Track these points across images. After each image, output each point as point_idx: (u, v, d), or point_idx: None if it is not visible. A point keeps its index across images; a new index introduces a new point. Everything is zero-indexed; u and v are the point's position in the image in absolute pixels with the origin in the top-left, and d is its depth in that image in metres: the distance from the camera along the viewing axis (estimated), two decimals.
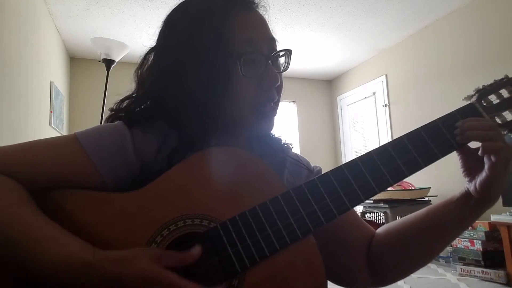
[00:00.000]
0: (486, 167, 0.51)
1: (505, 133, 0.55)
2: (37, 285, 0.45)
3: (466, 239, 2.75)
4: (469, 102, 0.58)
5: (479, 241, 2.67)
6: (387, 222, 3.06)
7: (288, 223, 0.49)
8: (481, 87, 0.58)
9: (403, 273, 0.62)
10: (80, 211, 0.49)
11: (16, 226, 0.44)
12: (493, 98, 0.57)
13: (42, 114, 2.86)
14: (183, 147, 0.54)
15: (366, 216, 3.59)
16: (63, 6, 3.01)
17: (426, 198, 3.24)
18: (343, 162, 0.54)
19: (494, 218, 2.61)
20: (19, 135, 2.19)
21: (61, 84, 3.53)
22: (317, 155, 4.96)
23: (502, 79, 0.58)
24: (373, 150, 0.54)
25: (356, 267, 0.62)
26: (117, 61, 2.78)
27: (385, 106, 4.26)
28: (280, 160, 0.64)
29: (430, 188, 3.23)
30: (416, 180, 3.28)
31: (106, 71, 2.76)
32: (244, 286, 0.47)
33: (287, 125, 5.03)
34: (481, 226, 2.72)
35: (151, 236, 0.47)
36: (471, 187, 0.54)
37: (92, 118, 3.16)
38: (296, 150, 0.72)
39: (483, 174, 0.52)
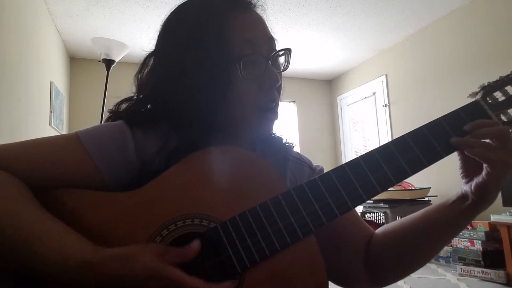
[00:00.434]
0: (483, 173, 0.50)
1: (511, 130, 0.53)
2: (39, 285, 0.44)
3: (466, 239, 2.75)
4: (474, 99, 0.56)
5: (479, 241, 2.67)
6: (387, 222, 3.06)
7: (288, 222, 0.48)
8: (486, 83, 0.56)
9: (401, 274, 0.62)
10: (80, 210, 0.49)
11: (15, 221, 0.44)
12: (498, 95, 0.55)
13: (42, 114, 2.86)
14: (182, 148, 0.53)
15: (366, 216, 3.59)
16: (63, 6, 3.01)
17: (426, 198, 3.24)
18: (343, 163, 0.53)
19: (494, 218, 2.61)
20: (19, 135, 2.19)
21: (61, 84, 3.53)
22: (317, 155, 4.96)
23: (508, 76, 0.56)
24: (375, 149, 0.53)
25: (355, 267, 0.62)
26: (117, 61, 2.78)
27: (385, 106, 4.26)
28: (282, 159, 0.64)
29: (430, 188, 3.23)
30: (416, 180, 3.28)
31: (106, 71, 2.75)
32: (244, 287, 0.46)
33: (287, 125, 5.03)
34: (481, 226, 2.72)
35: (151, 236, 0.47)
36: (467, 188, 0.53)
37: (92, 118, 3.16)
38: (296, 150, 0.71)
39: (480, 179, 0.51)
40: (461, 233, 2.72)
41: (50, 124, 3.06)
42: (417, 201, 3.17)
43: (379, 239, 0.63)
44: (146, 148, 0.54)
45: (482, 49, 3.11)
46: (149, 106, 0.59)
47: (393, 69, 4.19)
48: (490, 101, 0.55)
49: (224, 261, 0.47)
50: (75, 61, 4.12)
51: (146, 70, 0.61)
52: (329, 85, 5.40)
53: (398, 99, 4.11)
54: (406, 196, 3.12)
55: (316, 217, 0.49)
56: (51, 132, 3.09)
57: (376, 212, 3.39)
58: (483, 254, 2.62)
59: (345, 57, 4.49)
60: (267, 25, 0.61)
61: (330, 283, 0.56)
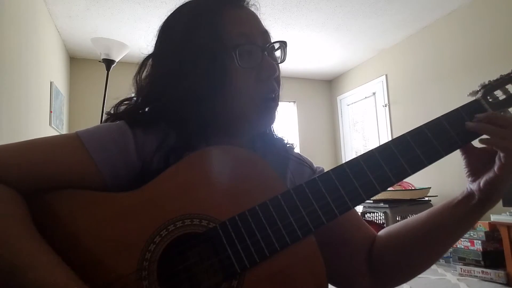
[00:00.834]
0: (495, 167, 0.50)
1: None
2: None
3: (466, 239, 2.74)
4: (474, 98, 0.56)
5: (479, 241, 2.67)
6: (387, 222, 3.06)
7: (288, 222, 0.48)
8: (486, 82, 0.56)
9: (405, 277, 0.61)
10: (79, 211, 0.48)
11: (5, 248, 0.40)
12: (499, 94, 0.55)
13: (42, 114, 2.86)
14: (181, 147, 0.53)
15: (366, 216, 3.59)
16: (63, 6, 3.01)
17: (426, 198, 3.24)
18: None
19: (494, 218, 2.61)
20: (19, 135, 2.19)
21: (61, 84, 3.53)
22: (317, 155, 4.96)
23: (508, 74, 0.56)
24: (375, 148, 0.53)
25: (356, 269, 0.61)
26: (117, 61, 2.78)
27: (385, 106, 4.25)
28: (282, 159, 0.64)
29: (430, 188, 3.23)
30: (416, 180, 3.28)
31: (106, 71, 2.75)
32: (244, 287, 0.46)
33: (287, 125, 5.03)
34: (481, 226, 2.71)
35: (150, 237, 0.47)
36: (474, 186, 0.53)
37: (92, 118, 3.16)
38: (296, 150, 0.71)
39: (491, 174, 0.50)
40: None
41: (50, 124, 3.06)
42: (417, 201, 3.17)
43: (382, 241, 0.62)
44: (146, 147, 0.54)
45: (482, 49, 3.11)
46: (149, 106, 0.59)
47: (393, 69, 4.18)
48: (490, 100, 0.55)
49: (224, 261, 0.47)
50: (75, 61, 4.12)
51: (145, 71, 0.61)
52: (329, 85, 5.40)
53: (398, 99, 4.11)
54: (406, 196, 3.11)
55: (316, 217, 0.49)
56: (51, 132, 3.08)
57: (376, 212, 3.39)
58: (483, 254, 2.62)
59: (345, 57, 4.48)
60: (261, 21, 0.61)
61: (330, 286, 0.56)
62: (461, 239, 2.77)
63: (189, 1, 0.61)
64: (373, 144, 4.46)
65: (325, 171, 0.54)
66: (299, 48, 4.11)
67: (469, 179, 0.55)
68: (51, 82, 3.08)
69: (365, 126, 4.67)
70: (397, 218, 3.05)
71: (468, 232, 2.75)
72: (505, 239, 2.51)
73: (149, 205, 0.49)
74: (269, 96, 0.58)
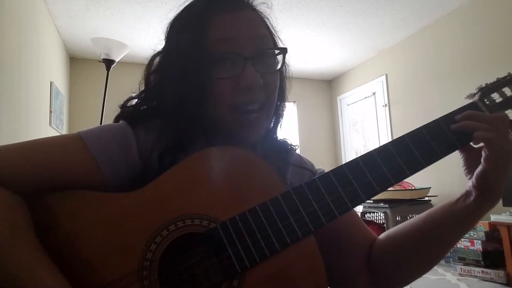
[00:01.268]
0: (482, 160, 0.51)
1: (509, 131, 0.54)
2: None
3: (466, 239, 2.75)
4: (471, 100, 0.57)
5: (479, 241, 2.67)
6: (387, 222, 3.06)
7: (288, 223, 0.49)
8: (483, 85, 0.57)
9: (405, 279, 0.60)
10: (80, 211, 0.49)
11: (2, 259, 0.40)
12: (496, 97, 0.56)
13: (42, 114, 2.86)
14: (172, 148, 0.54)
15: (366, 216, 3.59)
16: (63, 6, 3.01)
17: (426, 198, 3.24)
18: (343, 162, 0.53)
19: (494, 218, 2.61)
20: (19, 135, 2.19)
21: (61, 84, 3.53)
22: (317, 155, 4.96)
23: (505, 77, 0.57)
24: (374, 150, 0.53)
25: (356, 271, 0.61)
26: (117, 61, 2.78)
27: (385, 106, 4.26)
28: (283, 161, 0.64)
29: (430, 188, 3.23)
30: (416, 180, 3.28)
31: (106, 71, 2.75)
32: (244, 287, 0.47)
33: (287, 125, 5.03)
34: (481, 226, 2.72)
35: (150, 237, 0.47)
36: (470, 183, 0.54)
37: (92, 118, 3.16)
38: (297, 151, 0.72)
39: (480, 168, 0.52)
40: None
41: (50, 124, 3.06)
42: (417, 201, 3.17)
43: (382, 244, 0.62)
44: (148, 148, 0.54)
45: (482, 49, 3.11)
46: (148, 104, 0.61)
47: (393, 69, 4.19)
48: (487, 102, 0.56)
49: (224, 261, 0.47)
50: (75, 61, 4.12)
51: (152, 69, 0.63)
52: (329, 85, 5.40)
53: (398, 99, 4.11)
54: (406, 196, 3.12)
55: (316, 218, 0.49)
56: (51, 132, 3.09)
57: (376, 212, 3.39)
58: (483, 254, 2.63)
59: (345, 57, 4.49)
60: (268, 23, 0.61)
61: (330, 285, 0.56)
62: (461, 239, 2.77)
63: (191, 2, 0.61)
64: (373, 144, 4.46)
65: (325, 171, 0.54)
66: (299, 48, 4.11)
67: (467, 177, 0.56)
68: (51, 82, 3.08)
69: (365, 126, 4.68)
70: (397, 218, 3.05)
71: (468, 232, 2.75)
72: (505, 239, 2.51)
73: (150, 205, 0.49)
74: (245, 107, 0.55)
